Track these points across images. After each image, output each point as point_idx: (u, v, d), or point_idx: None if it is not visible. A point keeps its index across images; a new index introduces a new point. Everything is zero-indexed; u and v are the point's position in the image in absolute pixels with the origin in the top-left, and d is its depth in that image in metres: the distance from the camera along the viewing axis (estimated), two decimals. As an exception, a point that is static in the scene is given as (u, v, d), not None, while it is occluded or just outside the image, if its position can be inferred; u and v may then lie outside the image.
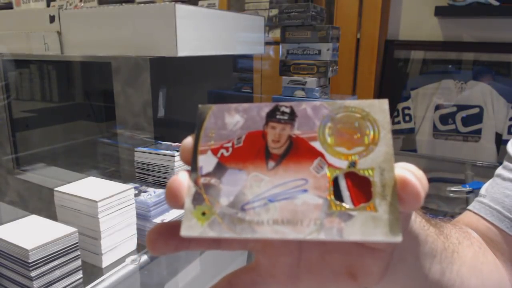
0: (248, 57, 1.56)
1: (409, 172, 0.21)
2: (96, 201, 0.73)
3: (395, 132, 1.68)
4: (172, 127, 1.13)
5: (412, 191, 0.20)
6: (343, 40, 1.40)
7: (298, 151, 0.22)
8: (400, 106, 1.69)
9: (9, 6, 1.52)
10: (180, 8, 0.93)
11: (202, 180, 0.22)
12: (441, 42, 1.61)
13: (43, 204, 1.22)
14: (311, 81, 1.22)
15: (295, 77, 1.25)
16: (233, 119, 0.24)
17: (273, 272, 0.26)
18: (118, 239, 0.78)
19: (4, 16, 1.32)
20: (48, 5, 1.44)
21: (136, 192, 0.87)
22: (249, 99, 1.55)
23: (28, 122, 1.43)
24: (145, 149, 0.95)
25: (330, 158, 0.22)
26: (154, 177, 0.95)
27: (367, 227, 0.20)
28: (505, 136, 1.51)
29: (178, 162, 0.91)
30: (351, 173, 0.21)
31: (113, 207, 0.76)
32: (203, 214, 0.21)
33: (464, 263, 0.33)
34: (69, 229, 0.68)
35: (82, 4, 1.40)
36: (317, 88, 1.22)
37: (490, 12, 1.46)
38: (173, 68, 1.12)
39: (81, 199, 0.75)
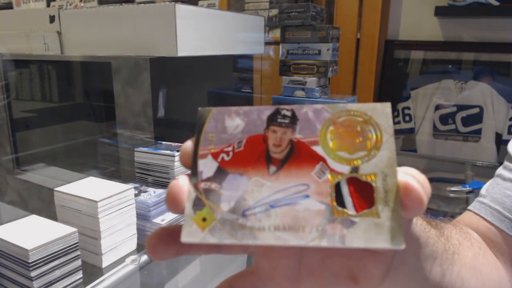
0: (248, 57, 1.56)
1: (412, 178, 0.20)
2: (96, 201, 0.73)
3: (395, 132, 1.68)
4: (172, 127, 1.13)
5: (415, 197, 0.20)
6: (343, 40, 1.40)
7: (299, 155, 0.22)
8: (400, 106, 1.69)
9: (9, 6, 1.52)
10: (180, 8, 0.93)
11: (202, 185, 0.22)
12: (441, 42, 1.61)
13: (43, 204, 1.22)
14: (311, 81, 1.22)
15: (295, 77, 1.25)
16: (234, 122, 0.23)
17: (273, 276, 0.26)
18: (118, 239, 0.78)
19: (4, 16, 1.32)
20: (48, 5, 1.44)
21: (136, 192, 0.87)
22: (249, 99, 1.55)
23: (28, 122, 1.43)
24: (145, 149, 0.95)
25: (332, 163, 0.22)
26: (154, 177, 0.95)
27: (369, 233, 0.20)
28: (505, 136, 1.51)
29: (178, 162, 0.91)
30: (353, 179, 0.21)
31: (113, 207, 0.76)
32: (204, 219, 0.21)
33: (465, 264, 0.33)
34: (69, 229, 0.68)
35: (82, 4, 1.40)
36: (317, 88, 1.22)
37: (490, 12, 1.46)
38: (173, 68, 1.12)
39: (81, 199, 0.75)
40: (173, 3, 0.92)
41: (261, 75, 1.63)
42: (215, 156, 0.23)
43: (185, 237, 0.21)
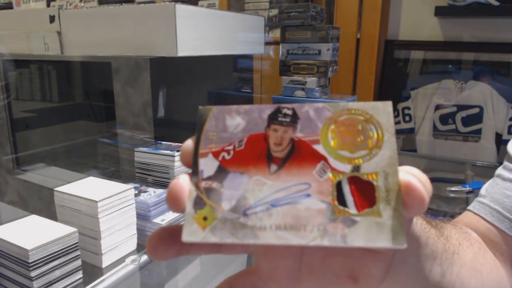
0: (248, 57, 1.56)
1: (414, 177, 0.20)
2: (96, 201, 0.73)
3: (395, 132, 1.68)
4: (172, 127, 1.13)
5: (416, 196, 0.20)
6: (343, 40, 1.40)
7: (300, 154, 0.22)
8: (400, 106, 1.69)
9: (9, 6, 1.53)
10: (180, 8, 0.93)
11: (203, 184, 0.22)
12: (441, 42, 1.61)
13: (43, 204, 1.22)
14: (311, 81, 1.22)
15: (295, 77, 1.25)
16: (234, 121, 0.23)
17: (274, 275, 0.26)
18: (118, 239, 0.78)
19: (4, 16, 1.32)
20: (48, 5, 1.45)
21: (136, 192, 0.87)
22: (249, 99, 1.55)
23: (28, 122, 1.43)
24: (145, 149, 0.95)
25: (333, 162, 0.21)
26: (154, 177, 0.95)
27: (371, 233, 0.20)
28: (505, 136, 1.51)
29: (178, 162, 0.91)
30: (355, 178, 0.21)
31: (113, 207, 0.76)
32: (205, 219, 0.21)
33: (464, 264, 0.33)
34: (69, 229, 0.68)
35: (82, 4, 1.40)
36: (317, 88, 1.22)
37: (490, 12, 1.46)
38: (173, 68, 1.12)
39: (81, 199, 0.75)
40: (173, 3, 0.92)
41: (261, 75, 1.63)
42: (216, 155, 0.23)
43: (186, 237, 0.21)
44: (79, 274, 0.70)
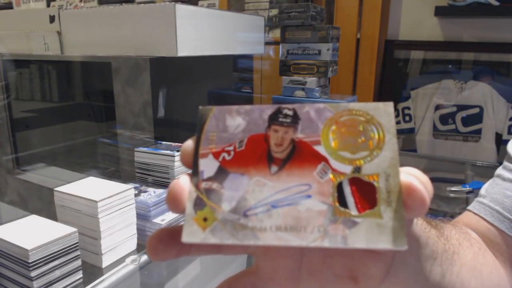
0: (248, 57, 1.56)
1: (415, 178, 0.20)
2: (96, 201, 0.73)
3: (395, 132, 1.68)
4: (172, 127, 1.13)
5: (418, 197, 0.20)
6: (343, 40, 1.40)
7: (301, 155, 0.22)
8: (400, 106, 1.69)
9: (9, 6, 1.53)
10: (180, 8, 0.93)
11: (203, 185, 0.22)
12: (441, 42, 1.61)
13: (43, 204, 1.22)
14: (311, 81, 1.22)
15: (295, 77, 1.25)
16: (235, 121, 0.23)
17: (274, 276, 0.26)
18: (118, 239, 0.78)
19: (4, 16, 1.32)
20: (48, 5, 1.44)
21: (136, 192, 0.87)
22: (249, 99, 1.55)
23: (28, 122, 1.43)
24: (145, 149, 0.95)
25: (334, 163, 0.21)
26: (154, 177, 0.95)
27: (372, 234, 0.20)
28: (505, 136, 1.51)
29: (178, 162, 0.91)
30: (356, 179, 0.21)
31: (113, 207, 0.76)
32: (205, 219, 0.21)
33: (464, 264, 0.33)
34: (69, 229, 0.68)
35: (82, 4, 1.40)
36: (317, 88, 1.22)
37: (490, 12, 1.46)
38: (173, 68, 1.12)
39: (81, 199, 0.75)
40: (173, 3, 0.92)
41: (261, 75, 1.63)
42: (216, 155, 0.23)
43: (186, 237, 0.21)
44: (79, 274, 0.70)
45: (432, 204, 1.20)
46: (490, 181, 0.50)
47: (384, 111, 0.22)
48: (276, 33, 1.64)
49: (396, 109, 1.70)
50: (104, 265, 0.76)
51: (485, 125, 1.56)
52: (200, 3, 1.60)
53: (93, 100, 1.41)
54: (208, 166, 0.23)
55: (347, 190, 0.21)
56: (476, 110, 1.56)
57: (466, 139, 1.59)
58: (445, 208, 1.19)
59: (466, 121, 1.58)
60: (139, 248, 0.83)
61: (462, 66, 1.61)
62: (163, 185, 0.94)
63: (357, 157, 0.21)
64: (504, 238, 0.44)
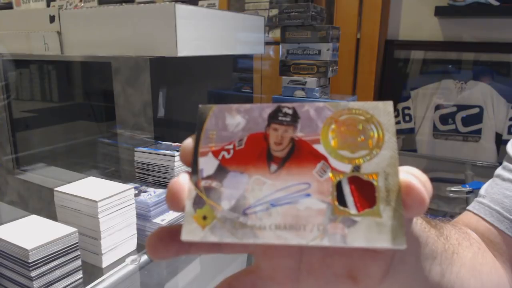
0: (248, 57, 1.55)
1: (414, 177, 0.20)
2: (96, 201, 0.73)
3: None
4: (172, 127, 1.13)
5: (417, 196, 0.20)
6: (343, 40, 1.40)
7: (300, 154, 0.22)
8: (400, 106, 1.69)
9: (9, 6, 1.53)
10: (180, 8, 0.93)
11: (203, 183, 0.22)
12: (441, 42, 1.61)
13: (43, 204, 1.22)
14: (311, 81, 1.22)
15: (295, 77, 1.25)
16: (234, 120, 0.23)
17: (273, 275, 0.26)
18: (118, 239, 0.79)
19: (4, 16, 1.32)
20: (48, 5, 1.45)
21: (136, 192, 0.87)
22: (249, 99, 1.55)
23: (28, 122, 1.43)
24: (145, 149, 0.95)
25: (334, 162, 0.21)
26: (154, 177, 0.95)
27: (371, 233, 0.20)
28: (505, 136, 1.51)
29: (178, 162, 0.91)
30: (355, 178, 0.21)
31: (113, 207, 0.76)
32: (204, 218, 0.21)
33: (464, 264, 0.33)
34: (69, 229, 0.68)
35: (82, 4, 1.40)
36: (317, 88, 1.22)
37: (490, 12, 1.46)
38: (173, 68, 1.12)
39: (81, 199, 0.75)
40: (173, 3, 0.92)
41: (261, 75, 1.63)
42: (215, 154, 0.23)
43: (186, 236, 0.21)
44: (79, 274, 0.70)
45: (432, 204, 1.20)
46: (490, 181, 0.50)
47: (384, 110, 0.22)
48: (276, 33, 1.64)
49: (396, 109, 1.70)
50: (104, 265, 0.76)
51: (485, 125, 1.56)
52: (200, 3, 1.61)
53: (93, 100, 1.41)
54: (208, 164, 0.23)
55: (347, 189, 0.21)
56: (476, 110, 1.56)
57: (466, 139, 1.59)
58: (445, 208, 1.19)
59: (466, 121, 1.58)
60: (139, 248, 0.83)
61: (462, 66, 1.61)
62: (163, 185, 0.94)
63: (357, 156, 0.21)
64: (504, 238, 0.44)
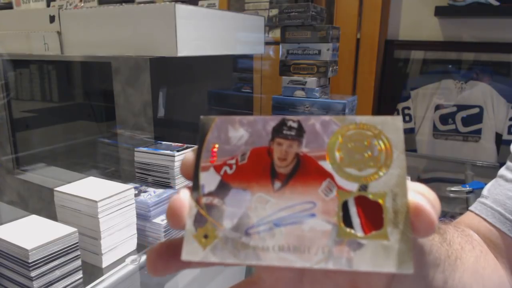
0: (248, 57, 1.55)
1: (423, 197, 0.20)
2: (96, 201, 0.73)
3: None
4: (172, 127, 1.13)
5: (426, 219, 0.19)
6: (343, 40, 1.40)
7: (306, 171, 0.21)
8: (400, 106, 1.69)
9: (9, 6, 1.52)
10: (180, 8, 0.93)
11: (204, 200, 0.21)
12: (441, 42, 1.61)
13: (43, 204, 1.22)
14: (311, 81, 1.22)
15: (295, 77, 1.25)
16: (237, 133, 0.22)
17: (275, 286, 0.26)
18: (118, 239, 0.78)
19: (4, 16, 1.32)
20: (48, 5, 1.44)
21: (136, 192, 0.87)
22: (249, 99, 1.55)
23: (28, 122, 1.43)
24: (145, 149, 0.95)
25: (340, 180, 0.21)
26: (154, 177, 0.95)
27: (377, 257, 0.19)
28: (505, 136, 1.51)
29: (178, 162, 0.91)
30: (362, 197, 0.20)
31: (113, 207, 0.76)
32: (205, 237, 0.20)
33: (466, 269, 0.33)
34: (69, 229, 0.68)
35: (82, 4, 1.40)
36: (317, 88, 1.22)
37: (490, 12, 1.46)
38: (173, 68, 1.12)
39: (81, 199, 0.75)
40: (173, 3, 0.92)
41: (261, 75, 1.63)
42: (217, 169, 0.22)
43: (186, 255, 0.20)
44: (79, 274, 0.70)
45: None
46: (493, 181, 0.49)
47: (393, 125, 0.21)
48: (276, 33, 1.64)
49: (396, 109, 1.70)
50: (104, 265, 0.76)
51: (485, 125, 1.56)
52: (200, 3, 1.61)
53: (93, 100, 1.41)
54: (209, 180, 0.22)
55: (353, 209, 0.20)
56: (476, 110, 1.56)
57: (466, 139, 1.59)
58: (445, 208, 1.19)
59: (466, 121, 1.58)
60: (139, 248, 0.83)
61: (462, 66, 1.61)
62: (163, 185, 0.93)
63: (364, 175, 0.20)
64: (506, 240, 0.44)
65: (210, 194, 0.21)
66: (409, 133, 1.69)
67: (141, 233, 0.84)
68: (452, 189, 1.22)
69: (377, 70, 1.68)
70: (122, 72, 1.02)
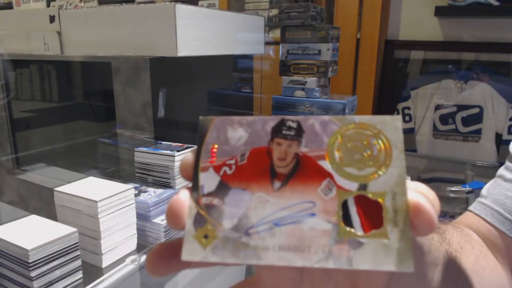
0: (248, 57, 1.55)
1: (423, 197, 0.20)
2: (96, 201, 0.73)
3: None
4: (172, 127, 1.13)
5: (425, 218, 0.19)
6: (343, 40, 1.40)
7: (305, 170, 0.21)
8: (400, 106, 1.69)
9: (9, 6, 1.52)
10: (180, 8, 0.93)
11: (204, 200, 0.21)
12: (441, 42, 1.61)
13: (43, 204, 1.22)
14: (311, 81, 1.22)
15: (295, 77, 1.25)
16: (236, 133, 0.22)
17: (275, 286, 0.26)
18: (118, 239, 0.78)
19: (4, 16, 1.32)
20: (48, 5, 1.44)
21: (136, 192, 0.87)
22: (249, 99, 1.55)
23: (28, 122, 1.43)
24: (145, 149, 0.95)
25: (339, 180, 0.21)
26: (154, 177, 0.95)
27: (377, 255, 0.19)
28: (505, 136, 1.52)
29: (178, 162, 0.91)
30: (361, 197, 0.20)
31: (113, 207, 0.76)
32: (205, 237, 0.21)
33: (466, 269, 0.33)
34: (69, 229, 0.68)
35: (82, 4, 1.40)
36: (317, 88, 1.22)
37: (490, 12, 1.46)
38: (173, 68, 1.12)
39: (81, 199, 0.75)
40: (173, 3, 0.92)
41: (261, 75, 1.63)
42: (217, 169, 0.22)
43: (186, 256, 0.20)
44: (79, 274, 0.70)
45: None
46: (492, 181, 0.49)
47: (392, 125, 0.21)
48: (276, 33, 1.64)
49: (396, 109, 1.70)
50: (104, 265, 0.76)
51: (485, 125, 1.56)
52: (200, 3, 1.61)
53: (93, 100, 1.41)
54: (209, 180, 0.22)
55: (353, 209, 0.20)
56: (476, 110, 1.56)
57: (466, 139, 1.59)
58: (445, 208, 1.19)
59: (466, 121, 1.58)
60: (139, 248, 0.83)
61: (462, 66, 1.61)
62: (163, 185, 0.94)
63: (363, 174, 0.21)
64: (505, 240, 0.44)
65: (209, 194, 0.22)
66: (409, 133, 1.69)
67: (141, 233, 0.84)
68: (452, 189, 1.22)
69: (377, 70, 1.68)
70: (122, 72, 1.02)
